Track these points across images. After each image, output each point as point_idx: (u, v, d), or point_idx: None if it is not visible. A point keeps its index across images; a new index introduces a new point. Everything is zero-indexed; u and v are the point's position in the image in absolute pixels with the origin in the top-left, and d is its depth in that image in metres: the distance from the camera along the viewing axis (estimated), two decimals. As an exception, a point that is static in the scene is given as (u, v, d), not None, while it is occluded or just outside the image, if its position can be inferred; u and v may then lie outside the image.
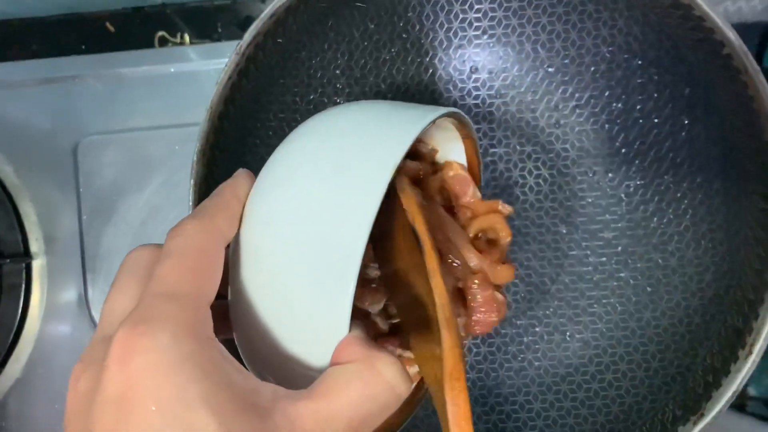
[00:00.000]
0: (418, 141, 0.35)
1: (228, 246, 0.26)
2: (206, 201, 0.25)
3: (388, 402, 0.22)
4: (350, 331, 0.22)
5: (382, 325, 0.32)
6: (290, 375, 0.24)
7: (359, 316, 0.31)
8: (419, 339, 0.29)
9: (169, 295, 0.21)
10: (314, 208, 0.23)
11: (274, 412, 0.19)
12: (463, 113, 0.31)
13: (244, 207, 0.26)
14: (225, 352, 0.21)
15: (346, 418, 0.20)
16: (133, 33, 0.56)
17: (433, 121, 0.26)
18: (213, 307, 0.23)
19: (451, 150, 0.35)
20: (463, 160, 0.35)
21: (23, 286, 0.51)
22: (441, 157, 0.36)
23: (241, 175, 0.26)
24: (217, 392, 0.19)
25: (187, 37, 0.54)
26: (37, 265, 0.52)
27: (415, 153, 0.35)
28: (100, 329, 0.22)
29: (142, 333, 0.19)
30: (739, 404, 0.67)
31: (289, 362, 0.24)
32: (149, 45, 0.55)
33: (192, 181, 0.36)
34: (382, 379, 0.21)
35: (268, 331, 0.24)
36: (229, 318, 0.26)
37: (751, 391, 0.69)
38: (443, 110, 0.27)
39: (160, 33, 0.55)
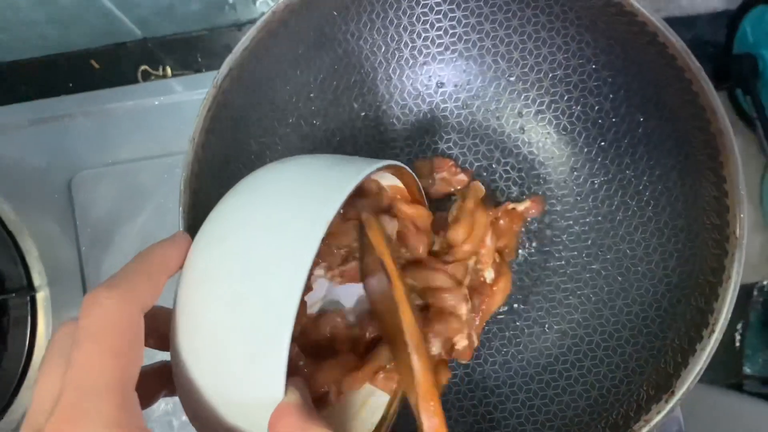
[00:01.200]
0: (371, 181, 0.36)
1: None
2: (130, 264, 0.24)
3: None
4: (286, 395, 0.22)
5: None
6: None
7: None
8: (401, 362, 0.30)
9: (90, 389, 0.20)
10: (246, 268, 0.23)
11: None
12: (400, 164, 0.32)
13: (183, 266, 0.25)
14: None
15: None
16: (117, 68, 0.58)
17: (369, 175, 0.26)
18: (160, 370, 0.24)
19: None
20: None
21: (29, 318, 0.53)
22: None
23: (177, 237, 0.26)
24: None
25: (168, 70, 0.57)
26: (41, 297, 0.54)
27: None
28: (29, 418, 0.22)
29: None
30: (737, 383, 0.69)
31: (230, 430, 0.24)
32: (133, 78, 0.58)
33: (180, 209, 0.38)
34: None
35: (206, 397, 0.23)
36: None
37: (747, 370, 0.72)
38: (376, 166, 0.27)
39: (143, 67, 0.57)
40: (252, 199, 0.25)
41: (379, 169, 0.28)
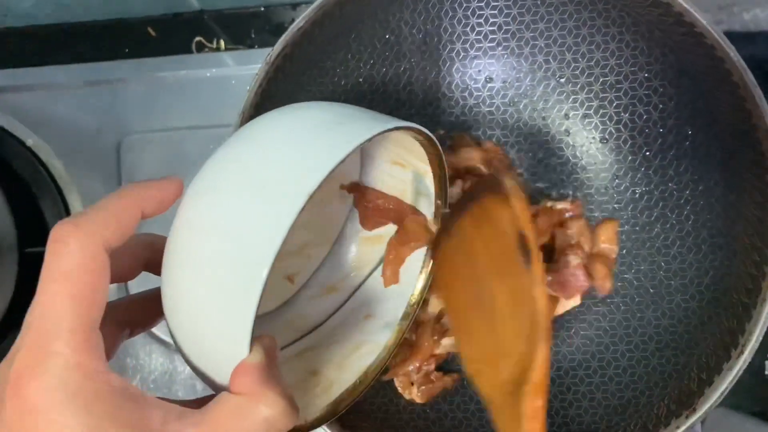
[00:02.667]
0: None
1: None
2: (104, 200, 0.24)
3: None
4: (250, 354, 0.22)
5: None
6: (211, 385, 0.25)
7: None
8: (484, 341, 0.29)
9: (51, 332, 0.21)
10: (224, 228, 0.23)
11: None
12: (417, 126, 0.29)
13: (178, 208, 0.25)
14: (116, 381, 0.21)
15: None
16: (172, 37, 0.59)
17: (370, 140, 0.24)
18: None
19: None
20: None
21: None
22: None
23: (166, 180, 0.25)
24: (100, 426, 0.20)
25: (222, 43, 0.58)
26: (82, 253, 0.56)
27: None
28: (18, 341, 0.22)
29: (30, 375, 0.20)
30: (761, 411, 0.68)
31: (205, 374, 0.25)
32: (187, 48, 0.59)
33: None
34: (260, 416, 0.22)
35: (186, 340, 0.25)
36: None
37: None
38: (380, 129, 0.25)
39: (198, 38, 0.58)
40: (244, 151, 0.25)
41: (388, 132, 0.26)
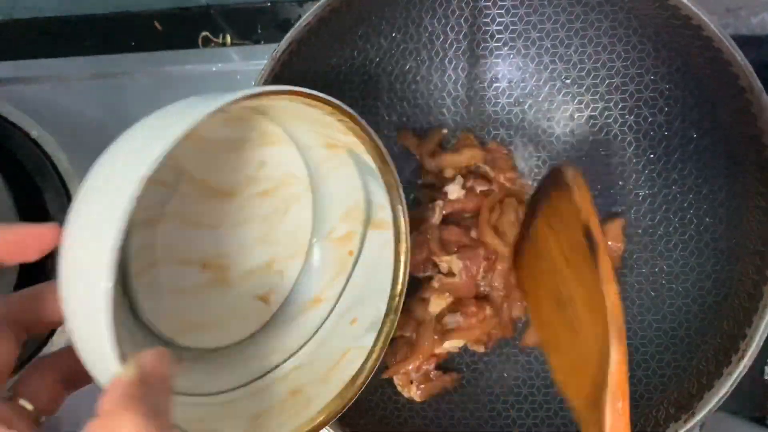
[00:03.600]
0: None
1: None
2: None
3: None
4: (124, 369, 0.21)
5: None
6: None
7: None
8: (567, 348, 0.27)
9: None
10: (73, 242, 0.22)
11: None
12: (287, 88, 0.26)
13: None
14: None
15: None
16: (178, 32, 0.59)
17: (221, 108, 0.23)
18: None
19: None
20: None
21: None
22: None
23: (33, 226, 0.23)
24: None
25: (228, 38, 0.58)
26: (84, 245, 0.56)
27: None
28: None
29: None
30: (760, 417, 0.68)
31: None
32: (193, 43, 0.59)
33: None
34: None
35: (85, 361, 0.23)
36: None
37: (771, 404, 0.70)
38: (230, 98, 0.24)
39: (204, 33, 0.58)
40: (107, 151, 0.24)
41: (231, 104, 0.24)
